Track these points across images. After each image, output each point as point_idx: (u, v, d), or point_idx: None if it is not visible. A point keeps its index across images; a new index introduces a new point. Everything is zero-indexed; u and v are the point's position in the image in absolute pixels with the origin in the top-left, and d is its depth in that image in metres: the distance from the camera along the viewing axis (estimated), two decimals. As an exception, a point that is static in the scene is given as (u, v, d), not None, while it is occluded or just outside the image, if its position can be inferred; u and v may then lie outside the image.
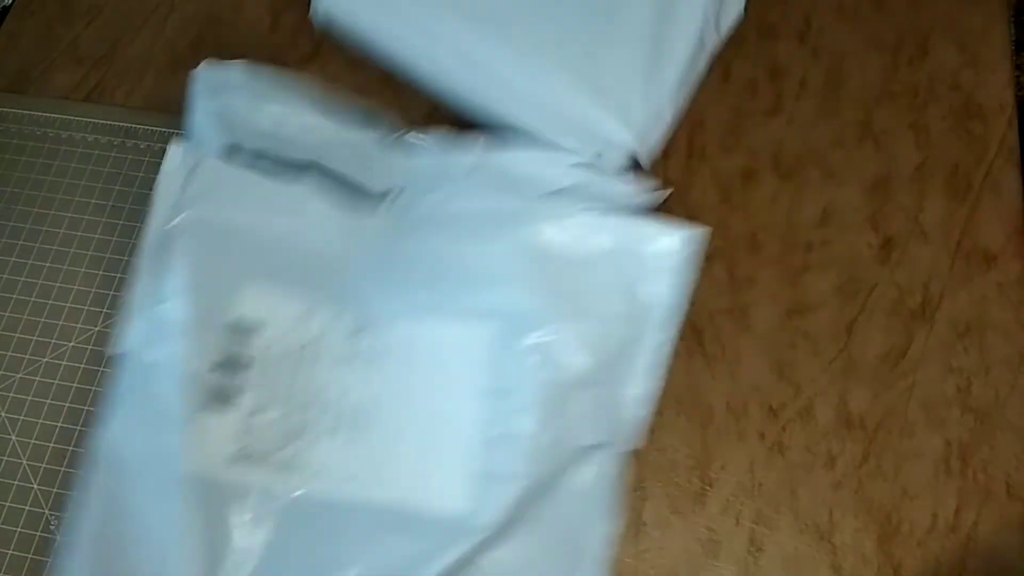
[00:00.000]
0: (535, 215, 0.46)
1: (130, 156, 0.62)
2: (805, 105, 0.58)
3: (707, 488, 0.51)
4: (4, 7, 0.69)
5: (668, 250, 0.48)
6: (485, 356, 0.45)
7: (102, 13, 0.68)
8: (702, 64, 0.53)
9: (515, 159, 0.48)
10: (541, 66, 0.50)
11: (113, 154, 0.62)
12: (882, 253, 0.56)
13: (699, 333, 0.54)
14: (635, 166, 0.50)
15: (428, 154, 0.51)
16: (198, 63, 0.65)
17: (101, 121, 0.63)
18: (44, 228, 0.58)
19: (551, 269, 0.45)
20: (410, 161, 0.51)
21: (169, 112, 0.63)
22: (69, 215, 0.60)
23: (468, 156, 0.49)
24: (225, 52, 0.66)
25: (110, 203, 0.60)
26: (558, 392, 0.44)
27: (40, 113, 0.64)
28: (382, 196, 0.49)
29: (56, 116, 0.63)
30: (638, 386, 0.47)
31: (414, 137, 0.52)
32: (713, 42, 0.53)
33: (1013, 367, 0.53)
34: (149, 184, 0.61)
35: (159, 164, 0.61)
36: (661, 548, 0.49)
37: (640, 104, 0.50)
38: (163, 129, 0.63)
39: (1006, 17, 0.63)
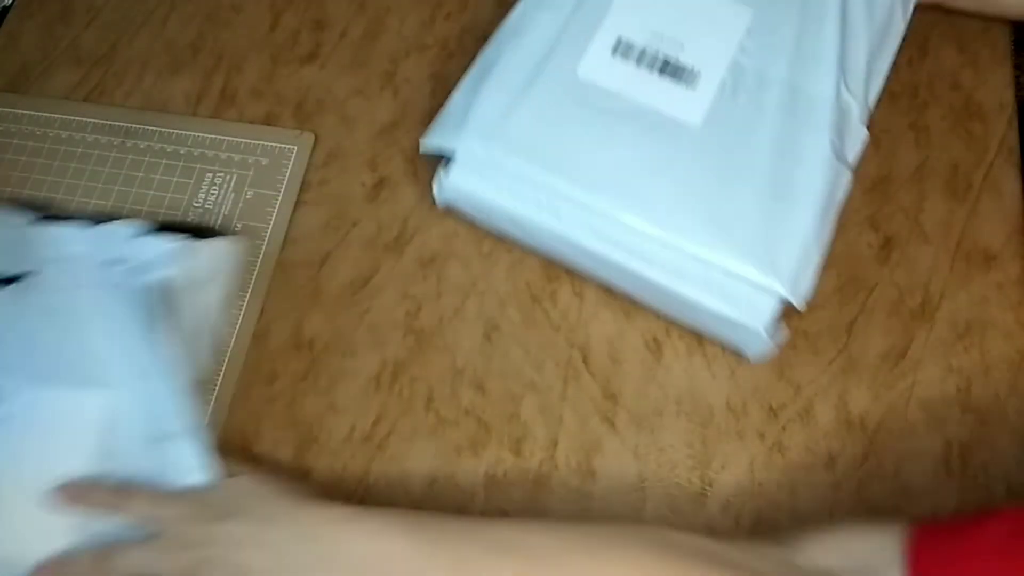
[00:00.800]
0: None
1: (130, 156, 0.62)
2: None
3: (707, 488, 0.51)
4: (4, 7, 0.69)
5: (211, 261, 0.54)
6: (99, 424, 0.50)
7: (102, 13, 0.68)
8: (840, 193, 0.52)
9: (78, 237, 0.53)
10: (676, 229, 0.50)
11: (113, 154, 0.62)
12: (882, 253, 0.56)
13: (699, 333, 0.54)
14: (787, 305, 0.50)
15: (59, 240, 0.53)
16: (198, 63, 0.65)
17: (101, 121, 0.63)
18: (44, 228, 0.58)
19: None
20: (42, 247, 0.53)
21: (169, 112, 0.64)
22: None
23: (80, 243, 0.53)
24: (225, 52, 0.66)
25: (110, 203, 0.60)
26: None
27: (40, 113, 0.64)
28: (16, 277, 0.52)
29: (56, 116, 0.63)
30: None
31: (51, 224, 0.53)
32: (847, 171, 0.53)
33: (1013, 367, 0.53)
34: (149, 184, 0.61)
35: (159, 164, 0.61)
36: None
37: (782, 251, 0.49)
38: (163, 129, 0.63)
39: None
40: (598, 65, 0.54)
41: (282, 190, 0.60)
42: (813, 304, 0.54)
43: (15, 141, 0.63)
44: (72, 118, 0.63)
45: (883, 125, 0.60)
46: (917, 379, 0.53)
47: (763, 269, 0.49)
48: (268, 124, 0.63)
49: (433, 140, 0.54)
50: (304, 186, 0.60)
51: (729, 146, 0.51)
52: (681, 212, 0.50)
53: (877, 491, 0.50)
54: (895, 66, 0.62)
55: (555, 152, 0.52)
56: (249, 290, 0.57)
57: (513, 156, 0.52)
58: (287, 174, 0.61)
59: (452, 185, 0.54)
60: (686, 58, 0.53)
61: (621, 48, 0.54)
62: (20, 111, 0.64)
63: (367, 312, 0.56)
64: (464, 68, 0.58)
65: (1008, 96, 0.61)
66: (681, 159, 0.51)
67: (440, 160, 0.55)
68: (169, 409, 0.50)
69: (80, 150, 0.62)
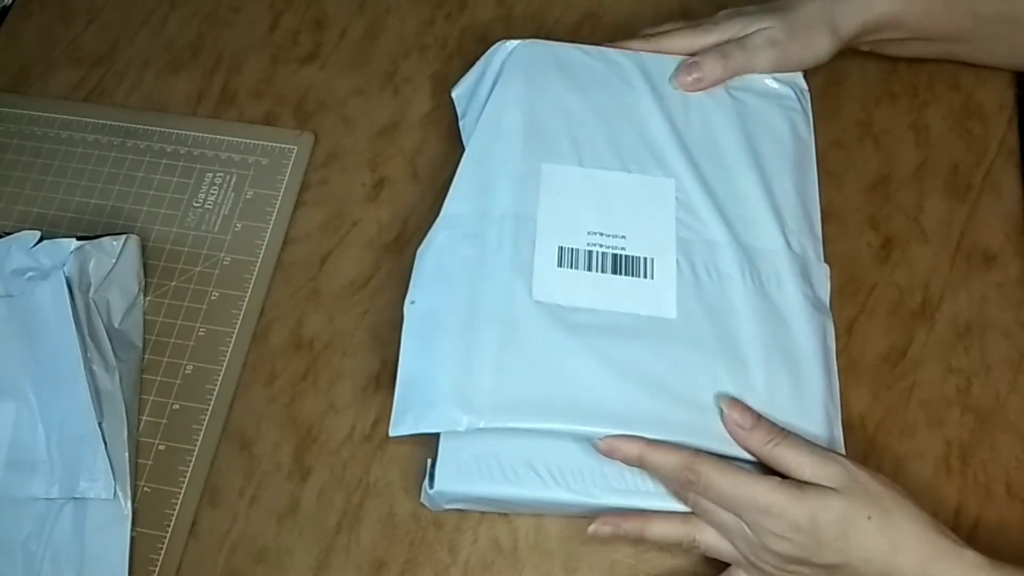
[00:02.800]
0: None
1: (130, 156, 0.62)
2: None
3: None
4: (4, 7, 0.69)
5: None
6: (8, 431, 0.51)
7: (102, 13, 0.68)
8: (831, 340, 0.50)
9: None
10: (700, 436, 0.46)
11: (113, 154, 0.62)
12: (882, 253, 0.56)
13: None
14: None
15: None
16: (198, 63, 0.65)
17: (101, 121, 0.63)
18: (45, 228, 0.58)
19: None
20: None
21: (169, 112, 0.63)
22: (70, 215, 0.60)
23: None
24: (225, 52, 0.66)
25: (110, 203, 0.60)
26: None
27: (40, 113, 0.64)
28: None
29: (56, 116, 0.63)
30: None
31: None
32: (826, 311, 0.50)
33: (1013, 367, 0.53)
34: (149, 184, 0.61)
35: (159, 164, 0.61)
36: (661, 548, 0.49)
37: (809, 415, 0.47)
38: (163, 129, 0.63)
39: (1006, 17, 0.63)
40: (550, 282, 0.50)
41: (282, 190, 0.60)
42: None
43: (15, 141, 0.63)
44: (72, 118, 0.63)
45: (883, 125, 0.60)
46: (917, 379, 0.53)
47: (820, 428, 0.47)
48: (268, 124, 0.63)
49: (405, 426, 0.47)
50: (304, 186, 0.60)
51: (715, 331, 0.48)
52: (701, 417, 0.46)
53: (877, 491, 0.50)
54: (893, 65, 0.62)
55: (553, 397, 0.47)
56: (249, 290, 0.57)
57: (506, 417, 0.46)
58: (287, 174, 0.61)
59: (441, 494, 0.48)
60: (632, 248, 0.51)
61: (565, 259, 0.50)
62: (20, 111, 0.64)
63: (367, 312, 0.56)
64: (464, 68, 0.58)
65: (1008, 96, 0.61)
66: (677, 359, 0.48)
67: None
68: (75, 415, 0.50)
69: (80, 150, 0.62)
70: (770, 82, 0.56)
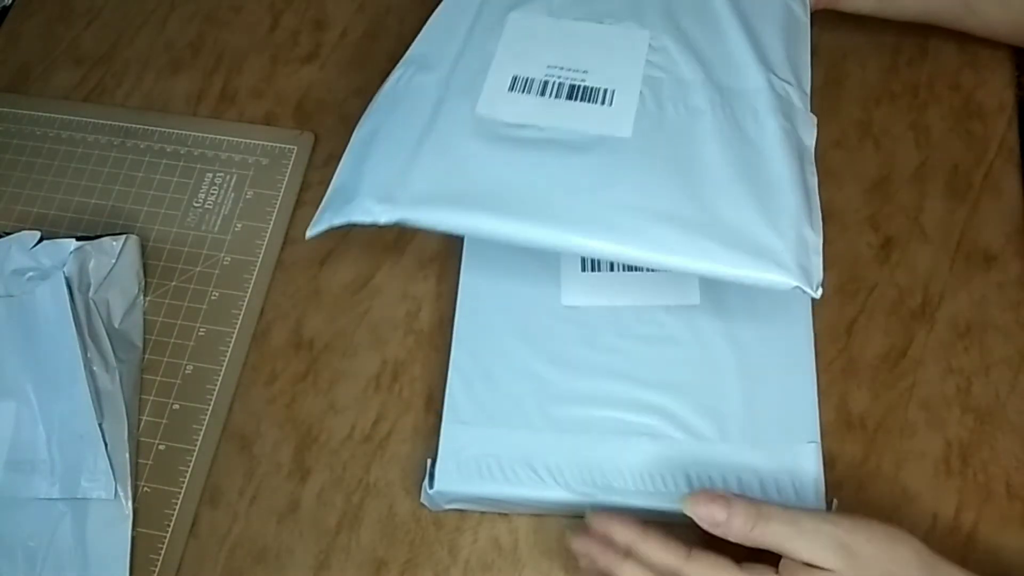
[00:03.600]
0: None
1: (130, 156, 0.62)
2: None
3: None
4: (4, 7, 0.69)
5: None
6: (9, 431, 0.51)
7: (102, 13, 0.68)
8: (812, 179, 0.47)
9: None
10: (653, 247, 0.44)
11: (113, 154, 0.62)
12: (882, 253, 0.56)
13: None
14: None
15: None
16: (198, 63, 0.65)
17: (101, 121, 0.63)
18: (45, 228, 0.58)
19: None
20: None
21: (169, 112, 0.64)
22: (70, 215, 0.60)
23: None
24: (225, 52, 0.66)
25: (110, 203, 0.60)
26: None
27: (40, 113, 0.64)
28: None
29: (56, 116, 0.63)
30: None
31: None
32: (809, 154, 0.47)
33: (1013, 367, 0.53)
34: (149, 184, 0.61)
35: (159, 164, 0.61)
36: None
37: (780, 244, 0.44)
38: (163, 129, 0.63)
39: (1006, 17, 0.63)
40: (497, 101, 0.48)
41: (282, 190, 0.60)
42: (813, 304, 0.54)
43: (15, 141, 0.63)
44: (72, 118, 0.63)
45: (883, 125, 0.60)
46: (917, 379, 0.53)
47: (769, 266, 0.43)
48: (268, 124, 0.63)
49: (322, 223, 0.47)
50: (304, 186, 0.60)
51: (679, 154, 0.46)
52: (659, 230, 0.44)
53: (877, 491, 0.50)
54: (895, 66, 0.62)
55: (474, 193, 0.45)
56: (249, 290, 0.57)
57: (424, 210, 0.45)
58: (287, 174, 0.61)
59: (441, 494, 0.48)
60: (593, 81, 0.48)
61: (518, 85, 0.48)
62: (20, 111, 0.64)
63: (367, 312, 0.56)
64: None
65: (1008, 96, 0.61)
66: (631, 174, 0.45)
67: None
68: (75, 415, 0.50)
69: (80, 150, 0.62)
70: None
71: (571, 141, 0.46)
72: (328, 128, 0.62)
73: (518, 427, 0.48)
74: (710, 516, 0.42)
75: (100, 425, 0.51)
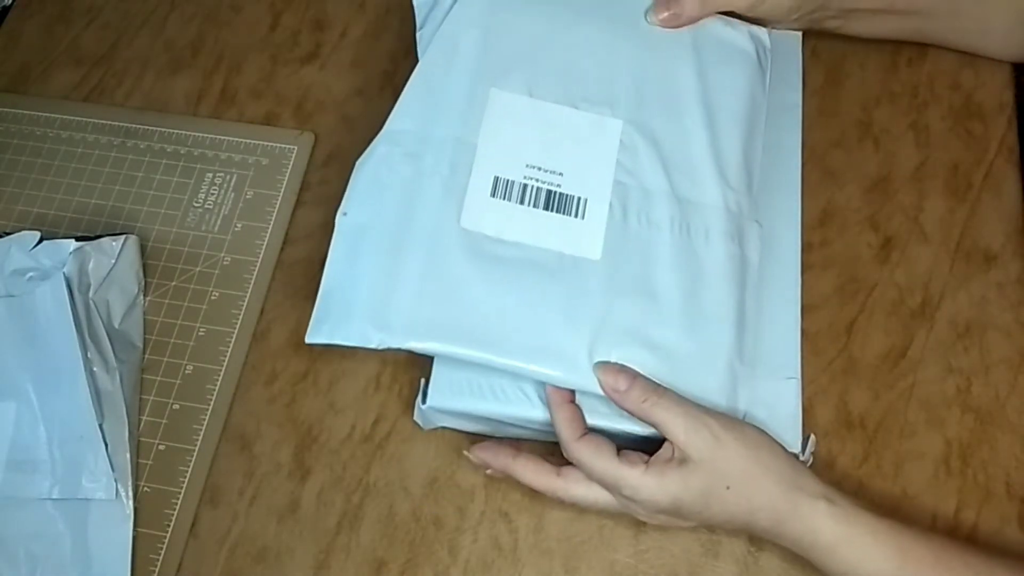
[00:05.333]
0: None
1: (130, 156, 0.62)
2: (805, 105, 0.58)
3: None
4: (4, 7, 0.69)
5: None
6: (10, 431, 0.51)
7: (102, 13, 0.68)
8: (753, 300, 0.50)
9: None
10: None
11: (113, 154, 0.62)
12: (882, 253, 0.56)
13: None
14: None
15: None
16: (198, 63, 0.65)
17: (101, 121, 0.63)
18: (45, 228, 0.58)
19: None
20: None
21: (169, 112, 0.64)
22: (70, 215, 0.60)
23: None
24: (225, 52, 0.66)
25: (110, 203, 0.60)
26: None
27: (40, 113, 0.64)
28: None
29: (56, 116, 0.63)
30: None
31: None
32: (753, 272, 0.51)
33: (1013, 367, 0.53)
34: (149, 184, 0.61)
35: (159, 164, 0.61)
36: (661, 548, 0.49)
37: (708, 371, 0.48)
38: (163, 129, 0.63)
39: (1006, 17, 0.63)
40: (480, 211, 0.50)
41: (282, 190, 0.60)
42: (813, 304, 0.54)
43: (15, 141, 0.63)
44: (72, 118, 0.63)
45: (883, 125, 0.60)
46: (917, 379, 0.53)
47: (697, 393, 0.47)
48: (268, 124, 0.63)
49: (321, 335, 0.48)
50: (304, 186, 0.60)
51: (633, 271, 0.49)
52: (625, 355, 0.47)
53: (877, 491, 0.50)
54: (895, 66, 0.62)
55: (462, 324, 0.47)
56: (249, 290, 0.57)
57: (417, 339, 0.47)
58: (287, 174, 0.61)
59: (432, 409, 0.49)
60: (568, 186, 0.50)
61: (499, 190, 0.50)
62: (20, 111, 0.64)
63: (367, 312, 0.56)
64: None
65: (1008, 96, 0.61)
66: (592, 299, 0.48)
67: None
68: (75, 415, 0.50)
69: (80, 150, 0.62)
70: (736, 34, 0.55)
71: (548, 264, 0.49)
72: (328, 128, 0.62)
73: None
74: (614, 382, 0.46)
75: (100, 425, 0.51)
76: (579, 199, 0.50)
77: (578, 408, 0.47)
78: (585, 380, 0.47)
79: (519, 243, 0.49)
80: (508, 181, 0.50)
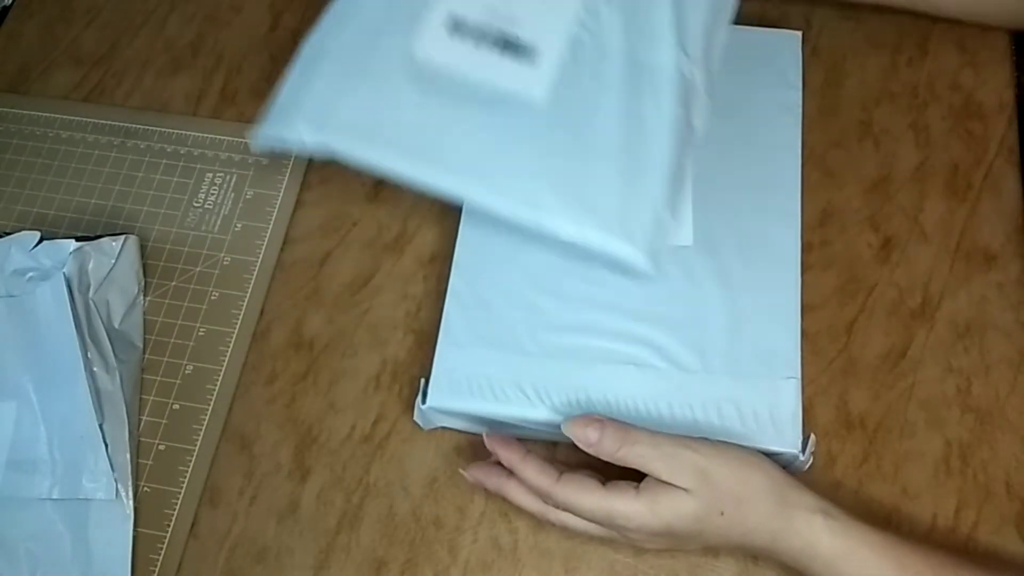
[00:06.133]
0: None
1: (130, 156, 0.62)
2: (805, 105, 0.58)
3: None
4: (4, 7, 0.69)
5: None
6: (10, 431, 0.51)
7: (102, 13, 0.68)
8: (690, 162, 0.51)
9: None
10: (529, 204, 0.49)
11: (113, 154, 0.62)
12: (882, 253, 0.56)
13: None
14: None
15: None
16: (198, 63, 0.65)
17: (101, 121, 0.63)
18: (45, 228, 0.58)
19: None
20: None
21: (169, 112, 0.63)
22: (70, 215, 0.60)
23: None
24: (225, 52, 0.66)
25: (110, 203, 0.60)
26: None
27: (40, 113, 0.64)
28: None
29: (56, 116, 0.64)
30: None
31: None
32: (695, 138, 0.51)
33: (1013, 367, 0.53)
34: (149, 184, 0.61)
35: (159, 164, 0.61)
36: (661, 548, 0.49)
37: (635, 218, 0.48)
38: (163, 129, 0.63)
39: (1006, 17, 0.63)
40: (434, 44, 0.50)
41: (282, 190, 0.60)
42: (813, 304, 0.54)
43: (15, 141, 0.63)
44: (72, 118, 0.63)
45: (883, 125, 0.60)
46: (917, 379, 0.53)
47: (618, 237, 0.48)
48: (268, 124, 0.63)
49: (264, 132, 0.50)
50: (304, 186, 0.60)
51: (577, 122, 0.49)
52: (534, 187, 0.48)
53: (877, 491, 0.50)
54: (895, 66, 0.62)
55: (396, 135, 0.49)
56: (249, 290, 0.57)
57: (350, 142, 0.49)
58: (287, 174, 0.61)
59: (432, 409, 0.50)
60: (524, 34, 0.51)
61: (455, 25, 0.51)
62: (20, 111, 0.64)
63: (367, 312, 0.56)
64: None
65: (1008, 96, 0.61)
66: (526, 133, 0.49)
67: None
68: (76, 415, 0.50)
69: (80, 150, 0.62)
70: None
71: (491, 99, 0.49)
72: (328, 128, 0.62)
73: (510, 351, 0.50)
74: (585, 437, 0.45)
75: (100, 425, 0.51)
76: (533, 48, 0.50)
77: (538, 458, 0.46)
78: (507, 203, 0.48)
79: (467, 79, 0.50)
80: (465, 22, 0.51)
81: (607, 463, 0.45)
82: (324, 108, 0.49)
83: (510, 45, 0.50)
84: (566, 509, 0.45)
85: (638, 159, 0.49)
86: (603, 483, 0.44)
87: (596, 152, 0.49)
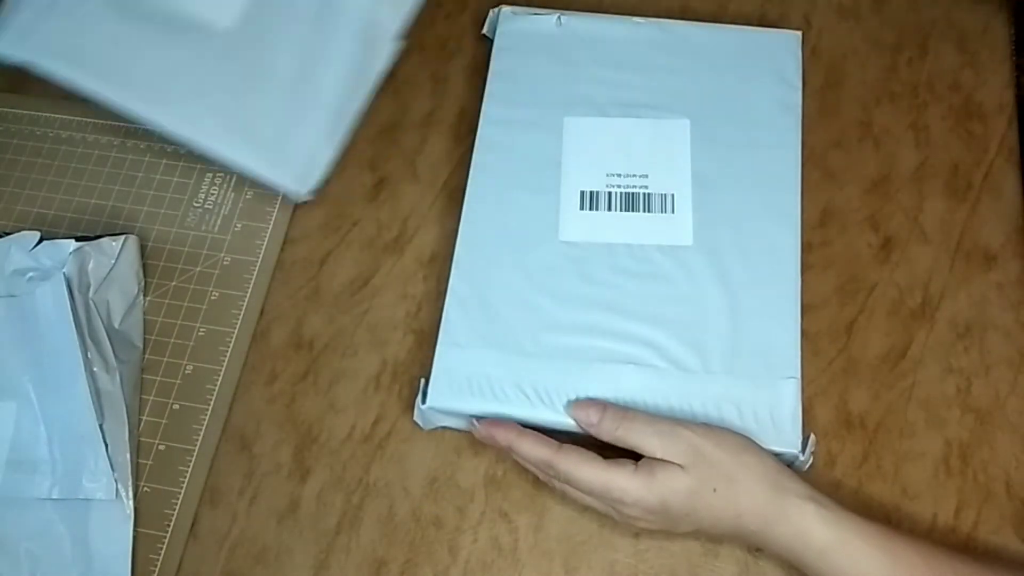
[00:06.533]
0: None
1: (130, 156, 0.62)
2: (805, 105, 0.58)
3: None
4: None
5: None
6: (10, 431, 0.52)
7: (102, 13, 0.68)
8: (358, 100, 0.55)
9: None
10: (194, 128, 0.53)
11: (113, 154, 0.62)
12: (882, 253, 0.56)
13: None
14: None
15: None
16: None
17: (101, 121, 0.63)
18: (45, 228, 0.58)
19: None
20: None
21: (169, 112, 0.63)
22: (70, 215, 0.60)
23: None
24: (225, 52, 0.66)
25: (110, 203, 0.60)
26: None
27: (40, 113, 0.64)
28: None
29: (56, 116, 0.63)
30: None
31: None
32: (372, 77, 0.55)
33: (1013, 367, 0.53)
34: (149, 184, 0.61)
35: (159, 164, 0.61)
36: (661, 548, 0.49)
37: (291, 148, 0.53)
38: (163, 129, 0.63)
39: (1006, 17, 0.63)
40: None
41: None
42: (813, 304, 0.54)
43: (15, 141, 0.63)
44: (72, 118, 0.63)
45: (883, 125, 0.60)
46: (917, 379, 0.53)
47: (271, 165, 0.53)
48: (268, 124, 0.63)
49: None
50: (304, 186, 0.60)
51: (255, 50, 0.53)
52: (202, 112, 0.52)
53: (877, 491, 0.50)
54: (895, 66, 0.62)
55: (92, 57, 0.52)
56: (249, 290, 0.57)
57: (50, 61, 0.53)
58: (287, 174, 0.61)
59: (432, 409, 0.50)
60: None
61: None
62: (20, 111, 0.64)
63: (367, 312, 0.56)
64: (465, 67, 0.58)
65: (1008, 96, 0.61)
66: (207, 60, 0.52)
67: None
68: (76, 415, 0.50)
69: (80, 150, 0.62)
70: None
71: (184, 27, 0.53)
72: (328, 128, 0.62)
73: (510, 351, 0.51)
74: (586, 417, 0.47)
75: (100, 425, 0.51)
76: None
77: (533, 431, 0.47)
78: (179, 126, 0.52)
79: (164, 5, 0.53)
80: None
81: (609, 451, 0.45)
82: (27, 29, 0.53)
83: None
84: (566, 480, 0.46)
85: (304, 94, 0.53)
86: (602, 458, 0.46)
87: (266, 81, 0.53)
